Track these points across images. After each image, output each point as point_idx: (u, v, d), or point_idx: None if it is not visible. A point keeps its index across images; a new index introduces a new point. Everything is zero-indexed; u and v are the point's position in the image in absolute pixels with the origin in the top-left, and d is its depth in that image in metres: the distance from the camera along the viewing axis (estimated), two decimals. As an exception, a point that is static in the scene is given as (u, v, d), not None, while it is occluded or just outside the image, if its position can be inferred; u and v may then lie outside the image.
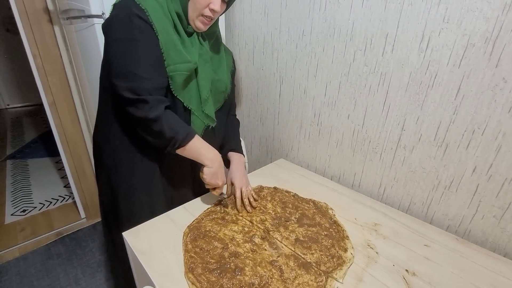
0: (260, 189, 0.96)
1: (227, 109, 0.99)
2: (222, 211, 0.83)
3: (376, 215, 0.85)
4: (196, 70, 0.76)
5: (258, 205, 0.87)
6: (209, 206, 0.87)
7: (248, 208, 0.84)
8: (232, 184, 0.87)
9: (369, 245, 0.73)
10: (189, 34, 0.75)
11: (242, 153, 0.96)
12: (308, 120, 1.11)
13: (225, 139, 0.98)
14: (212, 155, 0.78)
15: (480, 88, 0.68)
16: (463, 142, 0.73)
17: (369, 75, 0.87)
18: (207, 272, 0.62)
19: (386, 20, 0.79)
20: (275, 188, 0.96)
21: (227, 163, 0.94)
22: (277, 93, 1.19)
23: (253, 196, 0.87)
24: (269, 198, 0.90)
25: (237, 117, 1.08)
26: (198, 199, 0.91)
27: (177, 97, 0.75)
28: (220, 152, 0.94)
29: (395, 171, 0.89)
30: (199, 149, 0.76)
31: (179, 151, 0.75)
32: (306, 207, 0.86)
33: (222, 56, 0.87)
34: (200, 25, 0.72)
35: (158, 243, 0.71)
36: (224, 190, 0.87)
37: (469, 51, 0.67)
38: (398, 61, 0.80)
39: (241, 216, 0.82)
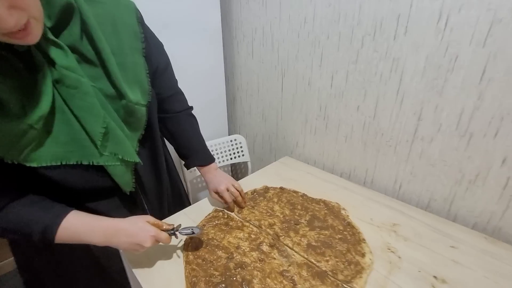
0: (266, 189, 0.89)
1: (173, 114, 0.74)
2: (226, 216, 0.76)
3: (393, 214, 0.78)
4: (63, 108, 0.47)
5: (265, 207, 0.80)
6: (211, 211, 0.80)
7: (243, 204, 0.79)
8: (218, 192, 0.77)
9: (389, 249, 0.66)
10: (28, 55, 0.43)
11: (212, 161, 0.80)
12: (313, 114, 1.03)
13: (188, 149, 0.78)
14: (100, 236, 0.53)
15: (509, 69, 0.60)
16: (490, 130, 0.66)
17: (380, 61, 0.80)
18: (211, 287, 0.55)
19: (398, -1, 0.72)
20: (281, 188, 0.89)
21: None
22: (279, 86, 1.12)
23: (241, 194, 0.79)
24: (275, 200, 0.84)
25: (193, 112, 0.80)
26: (198, 203, 0.85)
27: (64, 163, 0.49)
28: (181, 159, 0.81)
29: (412, 165, 0.81)
30: (76, 238, 0.52)
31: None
32: (316, 208, 0.79)
33: (106, 47, 0.49)
34: (22, 41, 0.38)
35: (156, 254, 0.65)
36: (187, 223, 0.68)
37: (495, 28, 0.60)
38: (413, 44, 0.72)
39: (248, 221, 0.75)
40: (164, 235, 0.57)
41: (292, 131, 1.15)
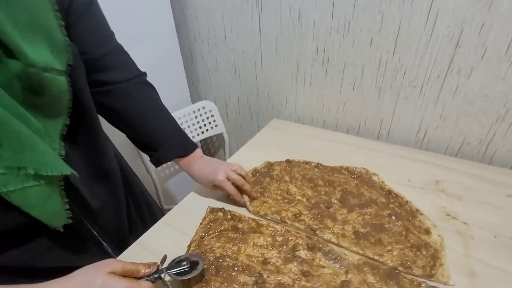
0: (269, 166, 0.67)
1: (116, 84, 0.46)
2: (229, 216, 0.53)
3: (429, 169, 0.64)
4: None
5: (278, 191, 0.59)
6: (205, 212, 0.56)
7: (253, 193, 0.57)
8: (218, 186, 0.54)
9: (448, 215, 0.53)
10: None
11: (195, 147, 0.55)
12: (307, 59, 0.80)
13: (154, 137, 0.51)
14: None
15: None
16: (554, 48, 0.52)
17: (405, -31, 0.58)
18: None
19: None
20: (288, 161, 0.69)
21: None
22: (256, 27, 0.84)
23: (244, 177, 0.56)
24: (287, 178, 0.63)
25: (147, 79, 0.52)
26: (184, 202, 0.60)
27: None
28: (144, 152, 0.53)
29: (442, 106, 0.67)
30: None
31: None
32: (342, 180, 0.61)
33: None
34: None
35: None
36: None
37: None
38: None
39: (263, 216, 0.53)
40: (145, 286, 0.33)
41: (278, 86, 0.91)
